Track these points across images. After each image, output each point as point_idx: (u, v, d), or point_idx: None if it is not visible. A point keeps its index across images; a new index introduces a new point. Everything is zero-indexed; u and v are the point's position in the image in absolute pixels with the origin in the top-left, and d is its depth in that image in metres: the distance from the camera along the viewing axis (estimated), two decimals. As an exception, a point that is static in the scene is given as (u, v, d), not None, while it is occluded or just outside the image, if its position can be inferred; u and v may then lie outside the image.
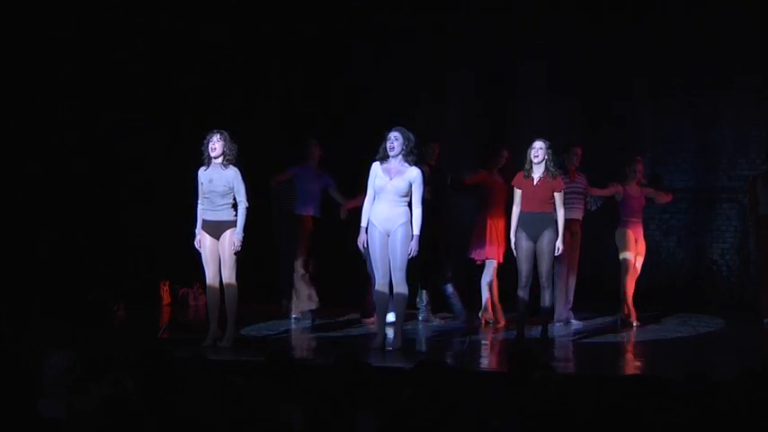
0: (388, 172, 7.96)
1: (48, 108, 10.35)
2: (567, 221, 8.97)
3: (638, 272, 9.67)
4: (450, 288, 9.72)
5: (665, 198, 10.00)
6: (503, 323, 9.52)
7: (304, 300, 9.82)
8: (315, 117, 11.17)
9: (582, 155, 9.61)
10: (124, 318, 9.90)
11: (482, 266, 9.62)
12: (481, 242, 9.51)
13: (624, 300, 9.53)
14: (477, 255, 9.59)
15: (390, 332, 8.36)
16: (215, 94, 11.21)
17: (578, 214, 9.57)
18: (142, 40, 10.86)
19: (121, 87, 10.79)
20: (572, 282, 9.61)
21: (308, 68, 11.48)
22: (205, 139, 8.11)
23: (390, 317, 8.83)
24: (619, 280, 9.55)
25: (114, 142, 10.83)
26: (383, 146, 7.97)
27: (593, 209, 9.84)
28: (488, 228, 9.49)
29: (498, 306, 9.57)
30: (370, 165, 8.03)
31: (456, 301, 9.72)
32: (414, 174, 7.93)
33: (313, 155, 9.84)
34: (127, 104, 10.86)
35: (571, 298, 9.62)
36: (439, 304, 9.91)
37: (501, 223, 9.37)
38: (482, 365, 7.91)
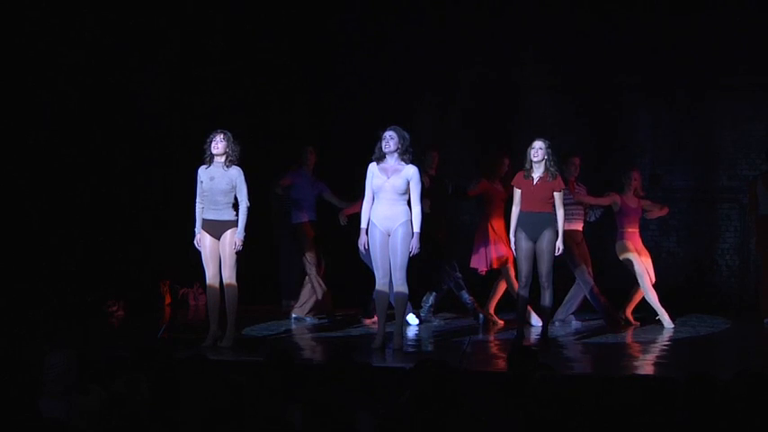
0: (384, 171, 7.98)
1: (50, 110, 10.34)
2: (570, 232, 8.97)
3: (653, 279, 9.65)
4: (465, 295, 9.75)
5: (659, 213, 9.93)
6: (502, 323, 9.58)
7: (305, 309, 9.84)
8: (312, 122, 11.16)
9: (580, 165, 9.60)
10: (123, 318, 9.89)
11: (484, 276, 9.64)
12: (483, 251, 9.51)
13: (654, 305, 9.49)
14: (478, 264, 9.60)
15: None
16: (214, 95, 11.21)
17: (579, 225, 9.57)
18: (141, 43, 10.86)
19: (123, 89, 10.78)
20: (585, 290, 9.60)
21: (306, 73, 11.47)
22: (208, 137, 8.12)
23: (411, 318, 9.37)
24: (643, 291, 9.53)
25: (114, 144, 10.83)
26: (378, 145, 7.99)
27: (591, 220, 9.84)
28: (490, 236, 9.49)
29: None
30: (367, 166, 8.06)
31: (472, 308, 9.75)
32: (411, 171, 7.95)
33: (309, 160, 9.93)
34: (127, 105, 10.85)
35: (575, 306, 9.65)
36: (442, 306, 9.92)
37: (502, 231, 9.37)
38: (482, 365, 7.89)
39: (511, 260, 9.41)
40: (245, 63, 11.43)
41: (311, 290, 9.83)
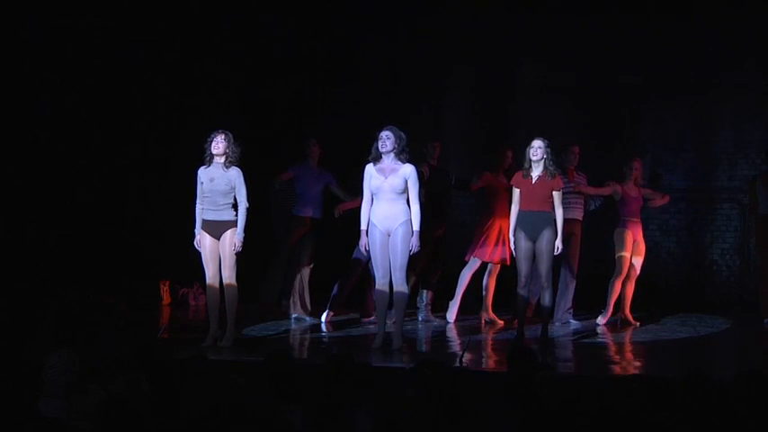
0: (382, 171, 7.97)
1: (50, 110, 10.35)
2: (567, 222, 8.95)
3: (638, 272, 9.63)
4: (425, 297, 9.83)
5: (661, 201, 9.93)
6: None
7: (297, 303, 9.85)
8: (313, 121, 11.17)
9: (580, 153, 9.60)
10: (129, 316, 9.90)
11: (484, 269, 9.63)
12: (484, 243, 9.50)
13: (608, 300, 9.52)
14: (477, 255, 9.57)
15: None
16: (215, 94, 11.22)
17: (578, 214, 9.55)
18: (142, 41, 10.86)
19: (122, 89, 10.79)
20: (571, 285, 9.61)
21: (309, 68, 11.48)
22: (209, 137, 8.11)
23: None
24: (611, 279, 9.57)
25: (115, 144, 10.84)
26: (375, 145, 7.98)
27: (591, 209, 9.83)
28: (493, 229, 9.47)
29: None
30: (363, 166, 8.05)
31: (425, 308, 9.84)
32: (408, 170, 7.94)
33: (313, 153, 9.83)
34: (127, 106, 10.87)
35: (570, 302, 9.64)
36: (439, 304, 9.92)
37: (505, 224, 9.34)
38: (482, 365, 7.89)
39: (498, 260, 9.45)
40: (245, 63, 11.44)
41: (300, 285, 9.85)
